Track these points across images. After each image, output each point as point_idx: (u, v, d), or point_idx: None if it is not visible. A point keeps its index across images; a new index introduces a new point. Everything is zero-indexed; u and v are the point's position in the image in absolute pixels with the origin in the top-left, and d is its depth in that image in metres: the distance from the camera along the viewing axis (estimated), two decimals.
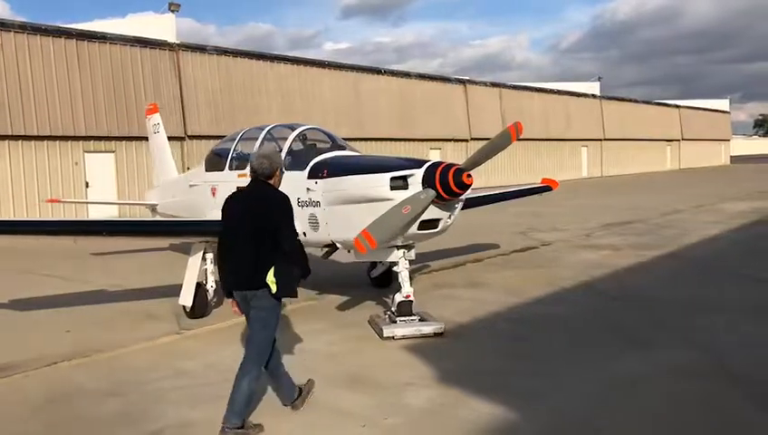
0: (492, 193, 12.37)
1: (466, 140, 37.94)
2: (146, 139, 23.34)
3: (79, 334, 7.97)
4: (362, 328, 7.80)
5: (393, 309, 7.58)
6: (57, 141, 21.44)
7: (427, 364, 6.41)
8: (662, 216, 19.72)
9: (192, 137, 24.57)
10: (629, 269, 11.41)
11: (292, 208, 5.00)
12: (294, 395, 5.34)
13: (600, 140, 50.56)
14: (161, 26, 25.79)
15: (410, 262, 7.69)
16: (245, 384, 4.87)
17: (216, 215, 9.61)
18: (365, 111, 31.97)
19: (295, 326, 8.05)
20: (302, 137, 9.01)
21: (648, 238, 15.04)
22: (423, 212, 6.94)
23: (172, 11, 26.30)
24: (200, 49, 26.29)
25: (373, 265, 9.96)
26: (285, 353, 6.88)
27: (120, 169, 22.99)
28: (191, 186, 10.87)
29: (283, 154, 8.78)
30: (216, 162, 10.34)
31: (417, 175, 7.06)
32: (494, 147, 7.46)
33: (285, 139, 8.94)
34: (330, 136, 9.11)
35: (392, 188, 7.14)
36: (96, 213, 21.33)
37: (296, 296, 5.05)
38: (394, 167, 7.35)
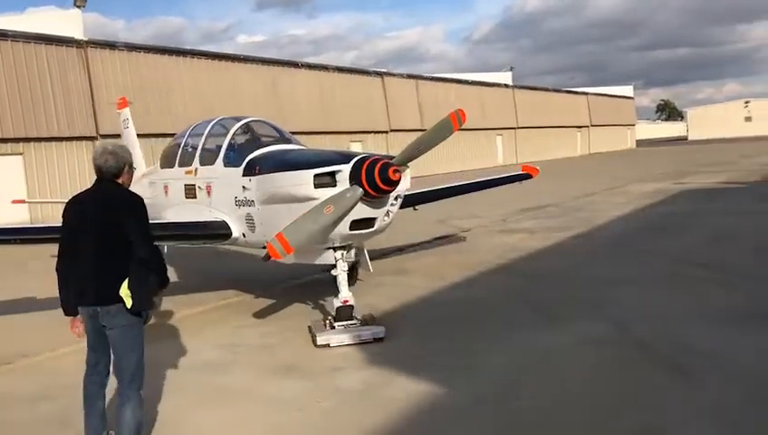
0: (470, 182, 12.19)
1: (386, 132, 38.43)
2: (56, 139, 22.75)
3: (2, 342, 7.76)
4: (294, 320, 7.95)
5: (333, 314, 7.10)
6: None
7: (357, 350, 6.67)
8: (574, 199, 20.67)
9: (105, 136, 23.84)
10: (543, 251, 12.03)
11: (146, 211, 4.45)
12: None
13: (514, 128, 52.20)
14: (67, 22, 24.82)
15: (350, 264, 7.26)
16: (129, 414, 4.35)
17: (170, 215, 9.46)
18: (284, 105, 31.82)
19: (226, 322, 8.17)
20: (243, 130, 8.55)
21: (561, 221, 15.83)
22: (349, 212, 6.49)
23: (78, 6, 25.38)
24: (109, 45, 25.54)
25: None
26: (217, 347, 7.07)
27: (30, 171, 22.10)
28: (151, 183, 10.47)
29: (224, 149, 8.39)
30: (168, 159, 9.97)
31: (345, 171, 6.54)
32: (432, 138, 6.74)
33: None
34: (277, 129, 8.71)
35: (317, 186, 6.64)
36: (5, 218, 20.43)
37: (153, 308, 4.44)
38: (319, 163, 6.82)
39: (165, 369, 6.30)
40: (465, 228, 15.45)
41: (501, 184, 12.57)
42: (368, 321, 7.16)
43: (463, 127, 6.78)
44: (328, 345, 6.76)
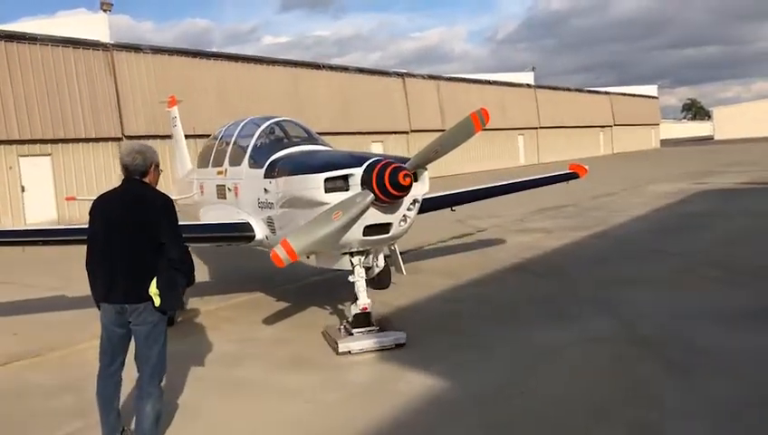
0: (515, 182, 11.69)
1: (407, 132, 38.59)
2: (83, 140, 23.29)
3: (29, 336, 8.07)
4: (309, 317, 8.15)
5: (350, 320, 6.93)
6: None
7: None
8: (593, 199, 20.63)
9: (130, 138, 24.34)
10: (558, 250, 12.14)
11: (175, 211, 4.51)
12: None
13: (536, 128, 52.00)
14: (94, 26, 25.43)
15: (367, 269, 6.96)
16: (149, 408, 4.45)
17: (202, 213, 9.64)
18: (305, 105, 32.08)
19: (242, 317, 8.39)
20: (269, 130, 8.38)
21: (578, 221, 15.90)
22: (359, 218, 6.22)
23: (104, 10, 25.95)
24: (135, 48, 26.00)
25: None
26: (231, 342, 7.31)
27: (58, 172, 22.64)
28: (189, 182, 10.66)
29: (249, 150, 8.29)
30: (203, 158, 10.08)
31: (357, 175, 6.30)
32: (452, 139, 6.40)
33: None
34: (305, 129, 8.59)
35: (327, 191, 6.38)
36: (34, 218, 21.02)
37: (183, 308, 4.56)
38: (331, 166, 6.56)
39: (186, 360, 6.55)
40: (483, 228, 15.58)
41: (547, 184, 11.94)
42: (384, 325, 7.01)
43: (484, 127, 6.41)
44: (349, 352, 6.59)
